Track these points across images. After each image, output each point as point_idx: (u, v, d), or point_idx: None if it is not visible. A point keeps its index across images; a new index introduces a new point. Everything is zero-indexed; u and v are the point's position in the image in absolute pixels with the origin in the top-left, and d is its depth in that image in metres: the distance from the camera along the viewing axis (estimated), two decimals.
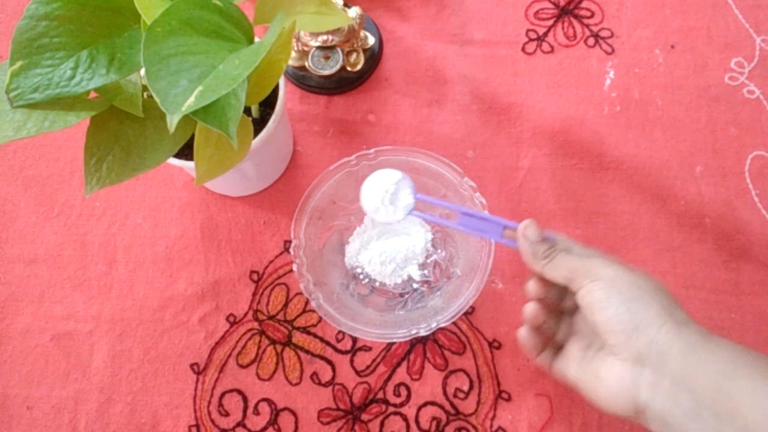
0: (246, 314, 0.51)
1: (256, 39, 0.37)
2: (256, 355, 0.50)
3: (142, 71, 0.31)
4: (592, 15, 0.61)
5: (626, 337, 0.33)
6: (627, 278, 0.34)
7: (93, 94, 0.36)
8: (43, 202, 0.55)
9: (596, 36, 0.60)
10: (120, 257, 0.53)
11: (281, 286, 0.52)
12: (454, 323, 0.51)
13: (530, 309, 0.40)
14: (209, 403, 0.49)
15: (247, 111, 0.47)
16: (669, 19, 0.60)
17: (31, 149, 0.57)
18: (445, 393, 0.49)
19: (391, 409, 0.49)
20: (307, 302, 0.51)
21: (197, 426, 0.48)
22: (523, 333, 0.41)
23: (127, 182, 0.43)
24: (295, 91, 0.58)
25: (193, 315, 0.51)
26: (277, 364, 0.50)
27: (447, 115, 0.57)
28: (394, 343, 0.50)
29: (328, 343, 0.50)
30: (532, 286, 0.40)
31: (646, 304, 0.33)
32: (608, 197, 0.54)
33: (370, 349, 0.50)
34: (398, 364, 0.50)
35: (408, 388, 0.49)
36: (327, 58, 0.56)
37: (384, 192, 0.44)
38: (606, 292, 0.34)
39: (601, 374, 0.35)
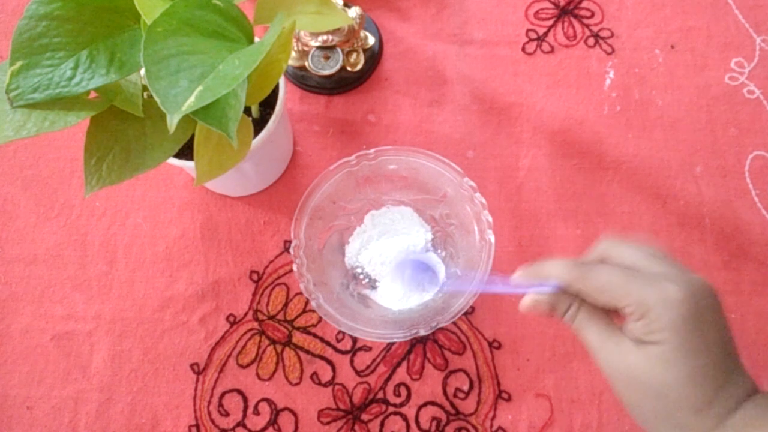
0: (246, 314, 0.51)
1: (256, 39, 0.37)
2: (256, 355, 0.50)
3: (142, 71, 0.31)
4: (592, 15, 0.61)
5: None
6: (648, 384, 0.30)
7: (93, 94, 0.36)
8: (43, 202, 0.55)
9: (596, 36, 0.60)
10: (120, 257, 0.53)
11: (281, 286, 0.52)
12: (454, 323, 0.51)
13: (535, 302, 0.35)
14: (209, 403, 0.49)
15: (247, 111, 0.47)
16: (669, 19, 0.60)
17: (31, 149, 0.57)
18: (445, 393, 0.49)
19: (391, 409, 0.49)
20: (307, 302, 0.51)
21: (197, 426, 0.48)
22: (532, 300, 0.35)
23: (127, 182, 0.43)
24: (295, 91, 0.58)
25: (193, 315, 0.51)
26: (277, 364, 0.50)
27: (447, 115, 0.57)
28: (394, 343, 0.50)
29: (328, 343, 0.50)
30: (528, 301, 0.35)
31: (658, 418, 0.30)
32: (608, 197, 0.54)
33: (370, 349, 0.50)
34: (398, 364, 0.50)
35: (408, 388, 0.49)
36: (327, 58, 0.56)
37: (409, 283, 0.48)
38: (620, 390, 0.31)
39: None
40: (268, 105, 0.47)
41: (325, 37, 0.55)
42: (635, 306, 0.30)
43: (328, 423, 0.48)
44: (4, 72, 0.34)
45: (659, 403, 0.30)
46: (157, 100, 0.30)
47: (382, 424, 0.48)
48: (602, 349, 0.32)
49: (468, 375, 0.49)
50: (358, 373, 0.49)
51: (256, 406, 0.49)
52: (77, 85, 0.34)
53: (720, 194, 0.54)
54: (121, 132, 0.38)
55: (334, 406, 0.49)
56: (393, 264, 0.49)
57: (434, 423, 0.48)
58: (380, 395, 0.49)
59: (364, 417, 0.48)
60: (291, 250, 0.46)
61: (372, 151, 0.48)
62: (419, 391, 0.49)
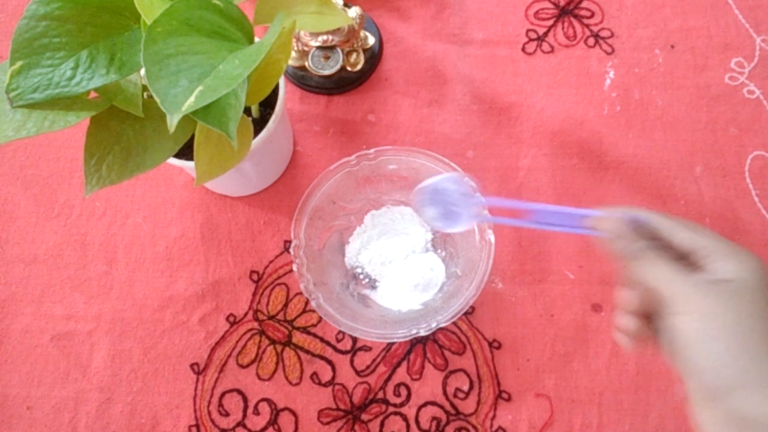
0: (246, 314, 0.51)
1: (256, 39, 0.37)
2: (256, 355, 0.50)
3: (142, 71, 0.31)
4: (592, 15, 0.61)
5: (711, 398, 0.29)
6: (730, 317, 0.29)
7: (93, 94, 0.36)
8: (43, 202, 0.55)
9: (596, 36, 0.60)
10: (120, 257, 0.53)
11: (281, 286, 0.52)
12: (454, 323, 0.51)
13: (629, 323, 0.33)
14: (209, 403, 0.49)
15: (247, 111, 0.47)
16: (669, 19, 0.60)
17: (31, 149, 0.57)
18: (445, 393, 0.49)
19: (391, 409, 0.49)
20: (307, 302, 0.51)
21: (197, 426, 0.48)
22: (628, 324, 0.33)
23: (127, 182, 0.43)
24: (295, 91, 0.58)
25: (193, 315, 0.51)
26: (277, 364, 0.50)
27: (447, 115, 0.57)
28: (394, 343, 0.50)
29: (328, 343, 0.50)
30: (626, 298, 0.34)
31: (744, 362, 0.28)
32: (608, 197, 0.54)
33: (370, 349, 0.50)
34: (398, 364, 0.50)
35: (408, 388, 0.49)
36: (327, 58, 0.56)
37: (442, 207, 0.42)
38: (694, 336, 0.29)
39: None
40: (268, 105, 0.47)
41: (325, 37, 0.55)
42: (717, 254, 0.30)
43: (328, 423, 0.48)
44: (4, 72, 0.34)
45: (732, 342, 0.29)
46: (157, 100, 0.30)
47: (382, 424, 0.48)
48: (676, 280, 0.31)
49: (468, 375, 0.49)
50: (358, 373, 0.49)
51: (256, 406, 0.49)
52: (77, 85, 0.34)
53: (720, 194, 0.54)
54: (121, 132, 0.38)
55: (334, 406, 0.49)
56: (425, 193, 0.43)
57: (434, 423, 0.48)
58: (380, 395, 0.49)
59: (364, 417, 0.48)
60: (291, 250, 0.46)
61: (372, 151, 0.48)
62: (419, 391, 0.49)
